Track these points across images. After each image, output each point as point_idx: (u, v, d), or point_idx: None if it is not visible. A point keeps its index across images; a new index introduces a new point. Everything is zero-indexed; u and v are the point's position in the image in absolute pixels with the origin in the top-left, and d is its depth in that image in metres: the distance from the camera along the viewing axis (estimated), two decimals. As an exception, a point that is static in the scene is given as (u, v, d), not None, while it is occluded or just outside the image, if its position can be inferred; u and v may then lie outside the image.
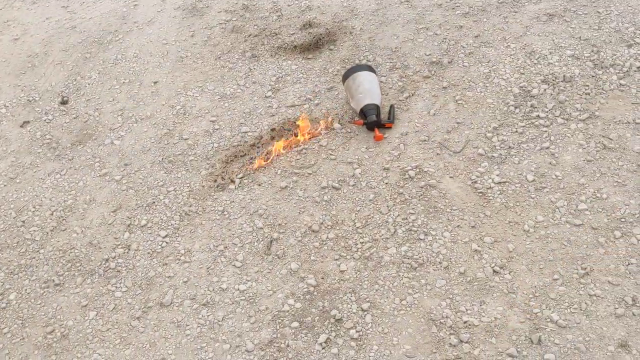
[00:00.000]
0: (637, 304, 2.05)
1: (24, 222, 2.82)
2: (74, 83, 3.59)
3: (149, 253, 2.57)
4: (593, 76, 2.85)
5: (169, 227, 2.65)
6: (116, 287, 2.48)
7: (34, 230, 2.77)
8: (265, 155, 2.84)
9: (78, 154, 3.12)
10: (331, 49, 3.38)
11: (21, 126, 3.36)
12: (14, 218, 2.85)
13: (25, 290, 2.54)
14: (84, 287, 2.50)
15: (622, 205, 2.34)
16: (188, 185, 2.82)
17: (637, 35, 2.99)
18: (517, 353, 2.00)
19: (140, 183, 2.88)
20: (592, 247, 2.23)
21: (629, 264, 2.16)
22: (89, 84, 3.56)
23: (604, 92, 2.77)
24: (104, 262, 2.58)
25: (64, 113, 3.40)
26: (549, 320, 2.06)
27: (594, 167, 2.49)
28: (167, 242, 2.59)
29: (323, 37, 3.46)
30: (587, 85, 2.81)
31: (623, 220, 2.29)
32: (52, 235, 2.74)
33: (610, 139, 2.57)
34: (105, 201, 2.84)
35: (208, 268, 2.46)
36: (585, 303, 2.08)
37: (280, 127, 2.97)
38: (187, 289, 2.40)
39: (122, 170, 2.97)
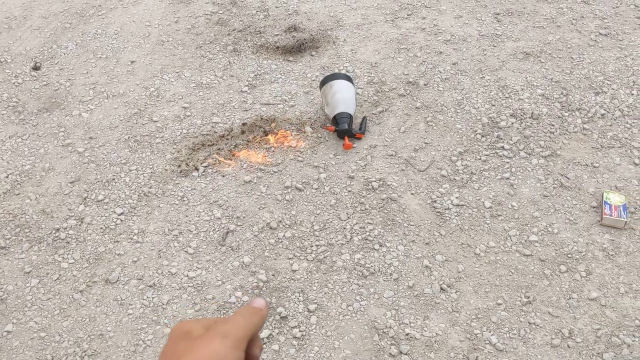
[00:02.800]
0: (573, 337, 2.11)
1: (-24, 181, 2.75)
2: (49, 51, 3.53)
3: (101, 228, 2.53)
4: (559, 117, 2.95)
5: (125, 205, 2.62)
6: (63, 257, 2.43)
7: (-14, 191, 2.70)
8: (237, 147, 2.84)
9: (43, 121, 3.06)
10: (312, 55, 3.42)
11: (-12, 85, 3.29)
12: (-34, 175, 2.77)
13: (-32, 249, 2.47)
14: (30, 253, 2.45)
15: (570, 241, 2.42)
16: (151, 166, 2.79)
17: (605, 85, 3.11)
18: (453, 370, 2.04)
19: (103, 158, 2.85)
20: (538, 277, 2.30)
21: (570, 298, 2.23)
22: (64, 54, 3.50)
23: (567, 133, 2.87)
24: (54, 232, 2.53)
25: (35, 79, 3.34)
26: (487, 342, 2.11)
27: (549, 202, 2.57)
28: (121, 220, 2.56)
29: (306, 42, 3.49)
30: (553, 125, 2.91)
31: (570, 256, 2.36)
32: (5, 198, 2.67)
33: (568, 178, 2.66)
34: (64, 171, 2.79)
35: (160, 251, 2.44)
36: (525, 330, 2.14)
37: (252, 122, 2.98)
38: (135, 269, 2.37)
39: (87, 143, 2.93)
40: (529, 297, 2.24)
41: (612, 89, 3.09)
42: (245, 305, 0.56)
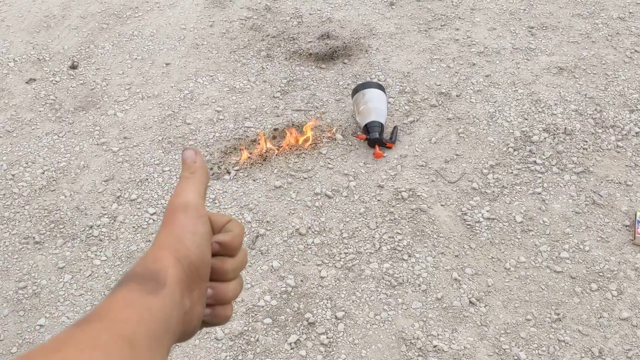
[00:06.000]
0: (603, 357, 2.09)
1: (13, 175, 2.81)
2: (87, 50, 3.60)
3: (134, 227, 2.57)
4: (593, 133, 2.93)
5: (158, 206, 2.66)
6: (96, 255, 2.47)
7: (23, 186, 2.76)
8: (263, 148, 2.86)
9: (79, 120, 3.12)
10: (345, 63, 3.44)
11: (27, 82, 3.36)
12: (4, 170, 2.83)
13: (4, 243, 2.52)
14: (64, 249, 2.49)
15: (602, 260, 2.39)
16: (184, 168, 2.83)
17: (639, 102, 3.08)
18: (481, 384, 2.03)
19: (137, 158, 2.89)
20: (568, 295, 2.28)
21: (600, 317, 2.21)
22: (101, 54, 3.57)
23: (601, 150, 2.85)
24: (87, 229, 2.57)
25: (72, 77, 3.40)
26: (516, 358, 2.10)
27: (581, 219, 2.55)
28: (153, 220, 2.60)
29: (339, 50, 3.51)
30: (586, 141, 2.89)
31: (601, 274, 2.34)
32: (40, 194, 2.73)
33: (600, 196, 2.64)
34: (98, 169, 2.84)
35: (190, 252, 2.46)
36: (554, 347, 2.12)
37: (283, 128, 3.00)
38: (166, 269, 2.40)
39: (121, 142, 2.98)
40: (559, 314, 2.22)
41: (648, 107, 3.06)
42: (182, 165, 0.55)
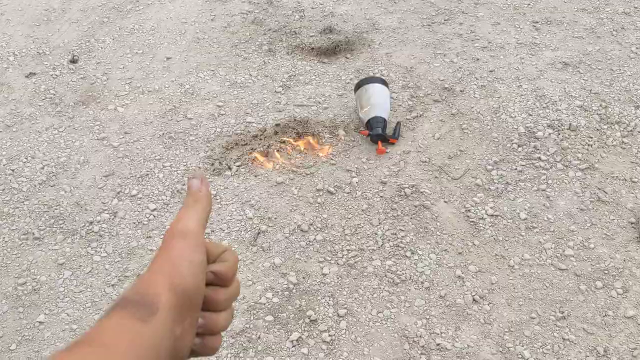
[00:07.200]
0: (608, 355, 2.07)
1: (13, 170, 2.79)
2: (87, 44, 3.57)
3: (134, 223, 2.55)
4: (598, 129, 2.90)
5: (158, 201, 2.63)
6: (96, 251, 2.45)
7: (22, 181, 2.74)
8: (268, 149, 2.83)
9: (79, 114, 3.09)
10: (347, 57, 3.40)
11: (27, 76, 3.33)
12: (3, 165, 2.81)
13: (3, 238, 2.50)
14: (63, 245, 2.47)
15: (607, 257, 2.37)
16: (185, 164, 2.81)
17: (646, 98, 3.05)
18: (484, 383, 2.01)
19: (137, 153, 2.87)
20: (573, 293, 2.26)
21: (605, 315, 2.19)
22: (101, 48, 3.54)
23: (606, 146, 2.82)
24: (87, 224, 2.55)
25: (72, 72, 3.37)
26: (520, 356, 2.07)
27: (586, 216, 2.52)
28: (154, 216, 2.57)
29: (341, 45, 3.48)
30: (591, 137, 2.86)
31: (606, 272, 2.32)
32: (40, 189, 2.71)
33: (606, 192, 2.61)
34: (98, 165, 2.81)
35: (191, 248, 2.44)
36: (558, 346, 2.10)
37: (285, 123, 2.97)
38: (167, 265, 2.38)
39: (121, 137, 2.95)
40: (563, 312, 2.19)
41: (653, 102, 3.03)
42: (187, 192, 0.55)
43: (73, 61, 3.43)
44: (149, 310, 0.46)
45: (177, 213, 0.53)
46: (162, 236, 2.45)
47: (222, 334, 0.55)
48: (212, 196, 2.65)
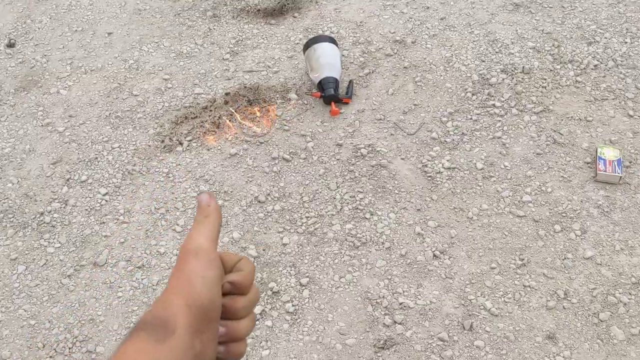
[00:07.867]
0: (568, 298, 2.09)
1: (-44, 167, 2.68)
2: (23, 26, 3.41)
3: (86, 210, 2.48)
4: (551, 70, 2.86)
5: (109, 185, 2.56)
6: (49, 242, 2.38)
7: (-34, 177, 2.64)
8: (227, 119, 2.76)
9: (21, 101, 2.97)
10: (295, 17, 3.30)
11: (-39, 66, 3.18)
12: (-55, 162, 2.70)
13: (-48, 238, 2.42)
14: (15, 239, 2.40)
15: (565, 200, 2.37)
16: (134, 143, 2.72)
17: (597, 34, 3.01)
18: (449, 338, 2.02)
19: (84, 137, 2.77)
20: (532, 239, 2.26)
21: (565, 258, 2.20)
22: (38, 29, 3.38)
23: (560, 87, 2.79)
24: (38, 216, 2.47)
25: (10, 57, 3.23)
26: (482, 307, 2.09)
27: (542, 160, 2.51)
28: (106, 201, 2.51)
29: (288, 4, 3.36)
30: (545, 79, 2.83)
31: (564, 215, 2.32)
32: (-14, 183, 2.61)
33: (561, 134, 2.60)
34: (45, 152, 2.72)
35: (147, 230, 2.39)
36: (519, 293, 2.11)
37: (235, 92, 2.89)
38: (123, 250, 2.33)
39: (67, 121, 2.85)
40: (523, 259, 2.20)
41: (605, 37, 2.99)
42: (197, 208, 0.57)
43: (10, 45, 3.28)
44: (166, 331, 0.48)
45: (189, 231, 0.55)
46: (115, 221, 2.39)
47: (246, 343, 0.58)
48: (165, 175, 2.58)
